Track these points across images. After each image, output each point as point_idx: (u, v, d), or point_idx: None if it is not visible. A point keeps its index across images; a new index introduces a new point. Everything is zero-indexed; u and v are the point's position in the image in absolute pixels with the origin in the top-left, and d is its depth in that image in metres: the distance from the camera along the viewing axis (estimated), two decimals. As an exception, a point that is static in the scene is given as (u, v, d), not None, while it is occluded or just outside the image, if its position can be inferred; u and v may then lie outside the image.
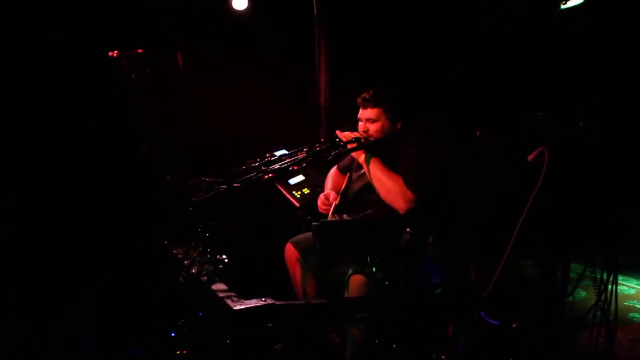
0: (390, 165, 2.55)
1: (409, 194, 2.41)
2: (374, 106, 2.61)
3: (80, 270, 3.10)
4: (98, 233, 3.20)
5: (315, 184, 3.20)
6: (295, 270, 2.76)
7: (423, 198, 2.41)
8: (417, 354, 2.15)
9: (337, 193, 2.87)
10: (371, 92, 2.62)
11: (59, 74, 3.14)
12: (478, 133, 2.92)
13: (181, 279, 2.29)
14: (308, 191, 3.17)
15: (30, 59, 3.07)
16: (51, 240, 3.11)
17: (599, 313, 1.84)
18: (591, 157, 1.75)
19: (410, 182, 2.43)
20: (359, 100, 2.66)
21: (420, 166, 2.48)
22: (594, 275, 1.80)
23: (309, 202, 3.09)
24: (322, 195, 2.87)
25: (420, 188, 2.42)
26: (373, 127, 2.62)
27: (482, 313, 2.14)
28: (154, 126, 3.23)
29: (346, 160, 2.92)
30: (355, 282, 2.26)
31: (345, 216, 2.71)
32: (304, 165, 2.55)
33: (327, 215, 2.81)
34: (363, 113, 2.65)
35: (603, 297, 1.82)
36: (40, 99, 3.12)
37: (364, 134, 2.64)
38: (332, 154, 2.63)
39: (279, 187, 3.15)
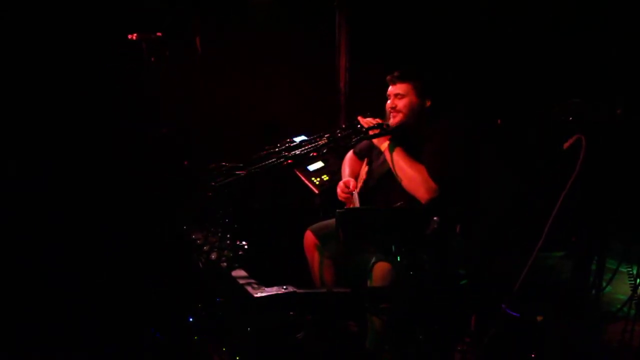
0: (415, 153, 2.49)
1: (432, 184, 2.36)
2: (402, 81, 2.55)
3: (99, 256, 3.10)
4: (116, 218, 3.19)
5: (335, 170, 3.15)
6: (314, 258, 2.74)
7: (446, 189, 2.36)
8: (439, 344, 2.11)
9: (356, 180, 2.81)
10: (401, 69, 2.57)
11: (78, 57, 3.12)
12: (499, 122, 2.85)
13: (200, 265, 2.28)
14: (327, 178, 3.12)
15: (49, 42, 3.05)
16: (69, 225, 3.12)
17: (631, 310, 1.78)
18: (629, 146, 1.68)
19: (433, 172, 2.38)
20: (388, 77, 2.61)
21: (445, 156, 2.42)
22: (630, 269, 1.74)
23: (328, 188, 3.04)
24: (341, 183, 2.81)
25: (443, 179, 2.36)
26: (401, 103, 2.56)
27: (503, 305, 2.08)
28: (173, 110, 3.21)
29: (363, 144, 2.85)
30: (380, 270, 2.22)
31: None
32: (325, 151, 2.50)
33: (345, 204, 2.77)
34: (392, 89, 2.60)
35: (639, 292, 1.76)
36: (60, 81, 3.10)
37: (392, 111, 2.58)
38: (354, 140, 2.58)
39: (297, 173, 3.10)
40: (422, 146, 2.50)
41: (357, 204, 2.61)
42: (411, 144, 2.54)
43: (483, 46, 3.51)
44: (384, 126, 2.59)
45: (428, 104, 2.56)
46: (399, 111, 2.56)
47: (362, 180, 2.77)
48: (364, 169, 2.84)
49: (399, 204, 2.46)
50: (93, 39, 3.11)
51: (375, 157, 2.78)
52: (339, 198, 2.81)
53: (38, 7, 3.03)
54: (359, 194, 2.70)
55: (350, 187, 2.76)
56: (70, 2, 3.08)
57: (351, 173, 2.89)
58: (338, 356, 2.37)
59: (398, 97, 2.56)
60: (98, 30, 3.12)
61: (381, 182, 2.65)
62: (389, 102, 2.62)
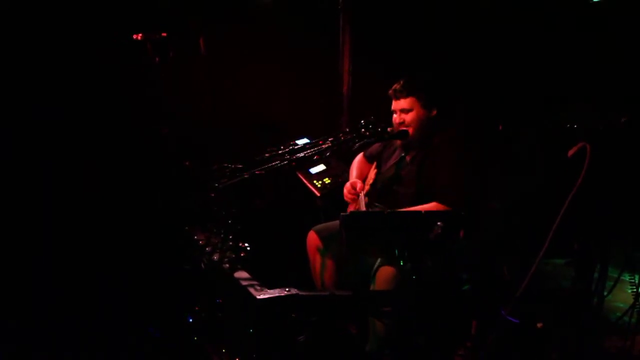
0: (425, 168, 2.49)
1: (447, 209, 2.36)
2: (406, 96, 2.55)
3: (100, 255, 3.10)
4: (117, 217, 3.19)
5: (336, 173, 3.16)
6: (315, 259, 2.74)
7: (461, 208, 2.35)
8: (440, 349, 2.12)
9: (363, 182, 2.82)
10: (402, 82, 2.57)
11: (82, 56, 3.12)
12: (500, 127, 2.86)
13: (202, 266, 2.28)
14: (329, 181, 3.13)
15: (52, 41, 3.04)
16: (69, 224, 3.11)
17: (631, 319, 1.79)
18: (633, 154, 1.69)
19: (448, 201, 2.37)
20: (390, 92, 2.61)
21: (457, 179, 2.40)
22: (632, 279, 1.75)
23: (330, 191, 3.05)
24: (348, 184, 2.82)
25: (458, 203, 2.35)
26: (408, 117, 2.57)
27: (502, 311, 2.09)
28: (176, 110, 3.21)
29: (373, 148, 2.86)
30: (384, 274, 2.23)
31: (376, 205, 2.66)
32: (328, 154, 2.51)
33: (349, 205, 2.77)
34: (396, 104, 2.60)
35: (641, 300, 1.77)
36: (64, 80, 3.10)
37: (400, 126, 2.59)
38: (357, 144, 2.58)
39: (300, 175, 3.11)
40: (432, 158, 2.50)
41: (364, 207, 2.62)
42: (420, 154, 2.54)
43: (488, 49, 3.52)
44: (388, 130, 2.59)
45: (434, 113, 2.57)
46: (407, 125, 2.57)
47: (369, 184, 2.78)
48: (373, 172, 2.84)
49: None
50: (98, 39, 3.11)
51: (384, 161, 2.78)
52: (345, 199, 2.81)
53: (42, 6, 3.03)
54: (367, 197, 2.70)
55: (357, 188, 2.76)
56: (75, 1, 3.08)
57: (359, 175, 2.89)
58: (339, 359, 2.37)
59: (404, 112, 2.57)
60: (103, 30, 3.12)
61: (389, 186, 2.66)
62: (395, 116, 2.62)
